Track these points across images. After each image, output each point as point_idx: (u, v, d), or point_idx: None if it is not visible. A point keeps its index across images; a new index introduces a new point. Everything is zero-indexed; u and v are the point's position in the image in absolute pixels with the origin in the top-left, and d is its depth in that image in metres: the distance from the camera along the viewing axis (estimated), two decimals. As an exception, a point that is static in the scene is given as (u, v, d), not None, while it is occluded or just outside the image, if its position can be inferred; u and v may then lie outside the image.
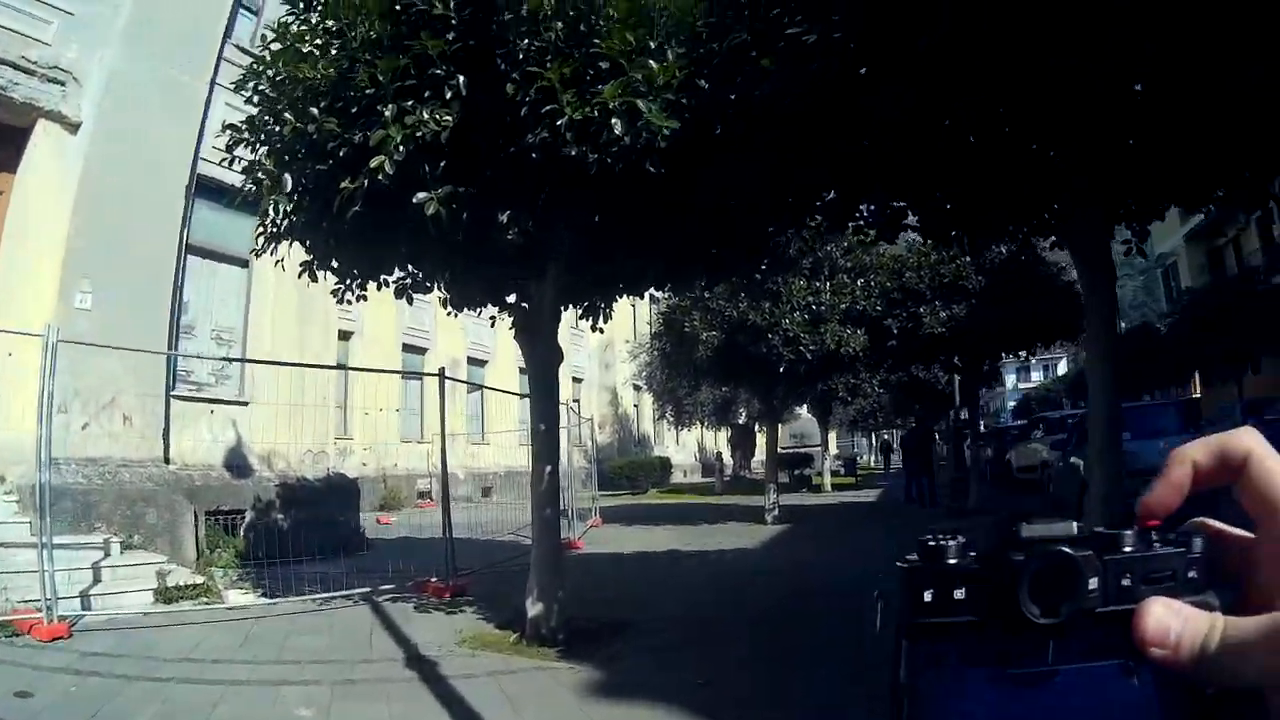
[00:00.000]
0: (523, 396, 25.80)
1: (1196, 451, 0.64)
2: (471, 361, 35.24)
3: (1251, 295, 27.27)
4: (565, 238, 8.72)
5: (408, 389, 29.07)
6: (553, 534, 9.71)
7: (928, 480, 25.34)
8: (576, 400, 40.73)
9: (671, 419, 44.52)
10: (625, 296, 11.54)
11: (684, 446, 54.98)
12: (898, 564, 0.67)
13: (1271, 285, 28.36)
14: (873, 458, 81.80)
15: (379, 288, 9.52)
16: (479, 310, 10.76)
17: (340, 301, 9.84)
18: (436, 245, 7.67)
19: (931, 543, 0.67)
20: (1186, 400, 28.50)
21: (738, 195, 8.43)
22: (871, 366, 23.37)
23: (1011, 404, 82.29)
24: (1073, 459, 17.76)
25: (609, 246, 9.15)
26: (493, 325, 14.47)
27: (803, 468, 40.12)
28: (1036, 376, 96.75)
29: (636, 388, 45.80)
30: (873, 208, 9.70)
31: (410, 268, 9.29)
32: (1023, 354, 22.01)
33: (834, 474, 41.32)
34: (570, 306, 11.01)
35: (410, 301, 10.78)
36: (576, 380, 42.80)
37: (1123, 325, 31.49)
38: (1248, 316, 26.00)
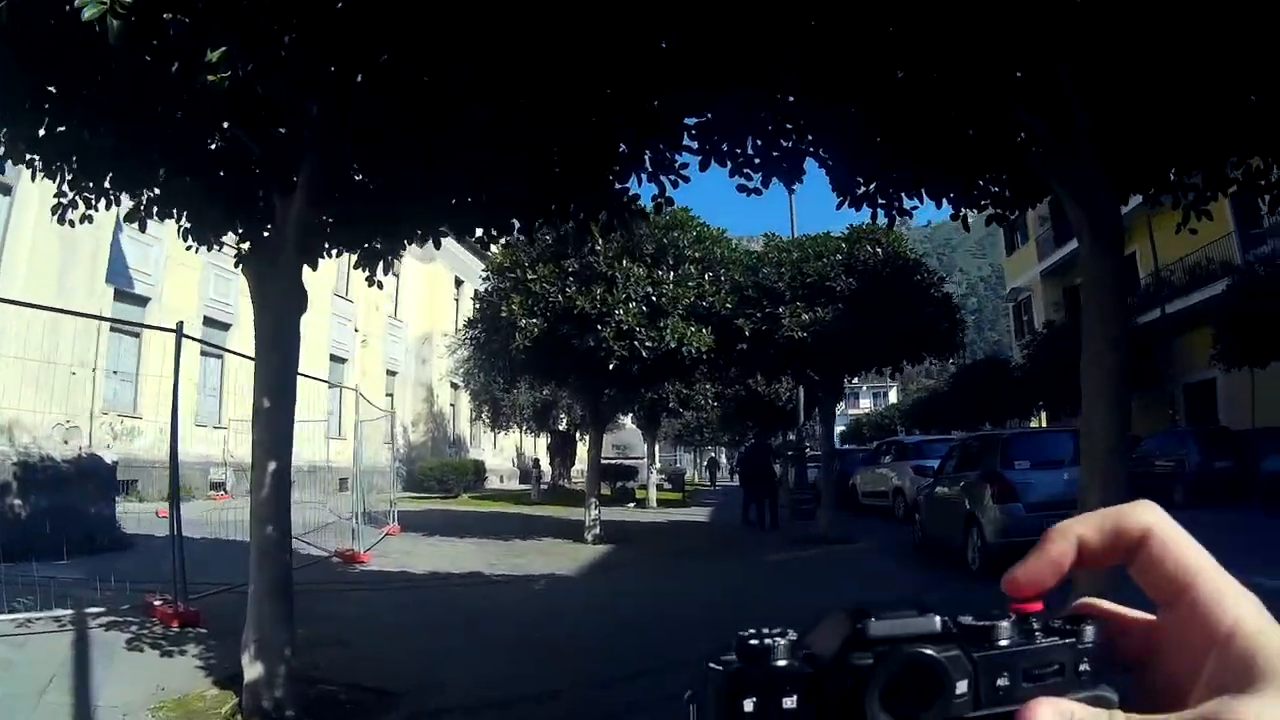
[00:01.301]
0: (332, 386, 23.90)
1: (1083, 527, 0.58)
2: (335, 359, 32.70)
3: None
4: (323, 123, 6.20)
5: (206, 366, 26.00)
6: (278, 562, 6.53)
7: (769, 501, 22.93)
8: (389, 395, 39.04)
9: (488, 421, 41.51)
10: (418, 242, 8.30)
11: (501, 451, 52.02)
12: (710, 665, 0.54)
13: (1136, 325, 28.05)
14: (697, 474, 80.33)
15: (97, 202, 7.12)
16: (218, 244, 7.73)
17: (60, 220, 7.22)
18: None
19: (754, 641, 0.54)
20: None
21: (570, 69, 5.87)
22: (716, 372, 20.74)
23: (840, 429, 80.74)
24: (942, 489, 15.81)
25: (384, 151, 6.76)
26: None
27: (626, 481, 37.93)
28: (865, 403, 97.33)
29: (454, 385, 42.53)
30: (760, 141, 7.21)
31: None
32: (887, 370, 19.44)
33: (659, 488, 38.63)
34: (343, 252, 8.31)
35: (143, 228, 7.80)
36: (391, 374, 40.59)
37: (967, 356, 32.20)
38: None
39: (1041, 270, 42.87)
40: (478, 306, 20.10)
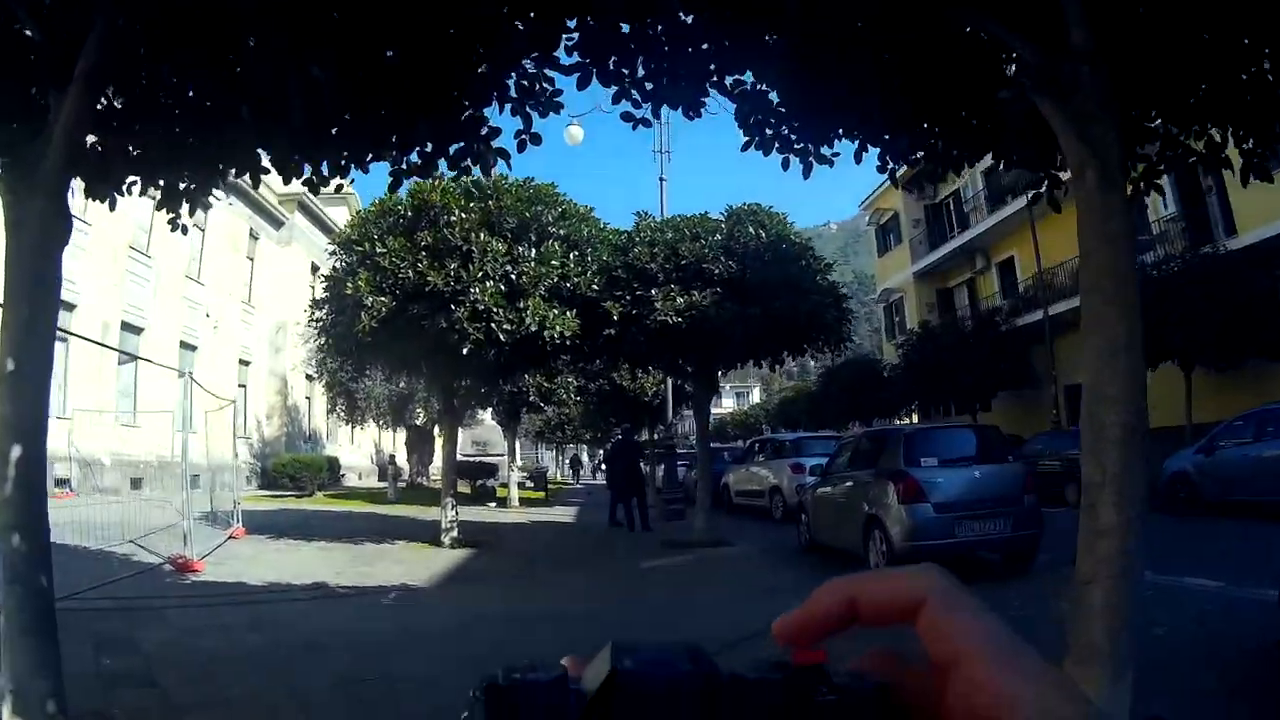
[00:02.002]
0: (181, 374, 21.72)
1: (857, 588, 0.57)
2: (126, 327, 28.92)
3: (994, 335, 31.21)
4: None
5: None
6: (33, 588, 4.81)
7: (638, 501, 21.45)
8: (242, 385, 37.07)
9: (343, 414, 39.39)
10: (223, 177, 6.69)
11: (359, 447, 50.20)
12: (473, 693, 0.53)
13: (1014, 327, 31.72)
14: (560, 472, 79.07)
15: None
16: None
17: None
18: None
19: (515, 675, 0.51)
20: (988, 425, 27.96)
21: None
22: (580, 360, 19.30)
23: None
24: (833, 488, 14.70)
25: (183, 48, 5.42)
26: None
27: (486, 479, 36.17)
28: (729, 403, 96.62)
29: (309, 377, 40.27)
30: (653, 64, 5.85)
31: None
32: (765, 362, 18.03)
33: (521, 486, 36.92)
34: (140, 188, 6.70)
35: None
36: (244, 363, 38.22)
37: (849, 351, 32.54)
38: (987, 354, 30.04)
39: (915, 271, 43.50)
40: (324, 285, 18.19)
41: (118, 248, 27.71)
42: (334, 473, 36.51)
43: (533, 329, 14.60)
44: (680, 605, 11.25)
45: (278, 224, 40.64)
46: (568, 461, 79.65)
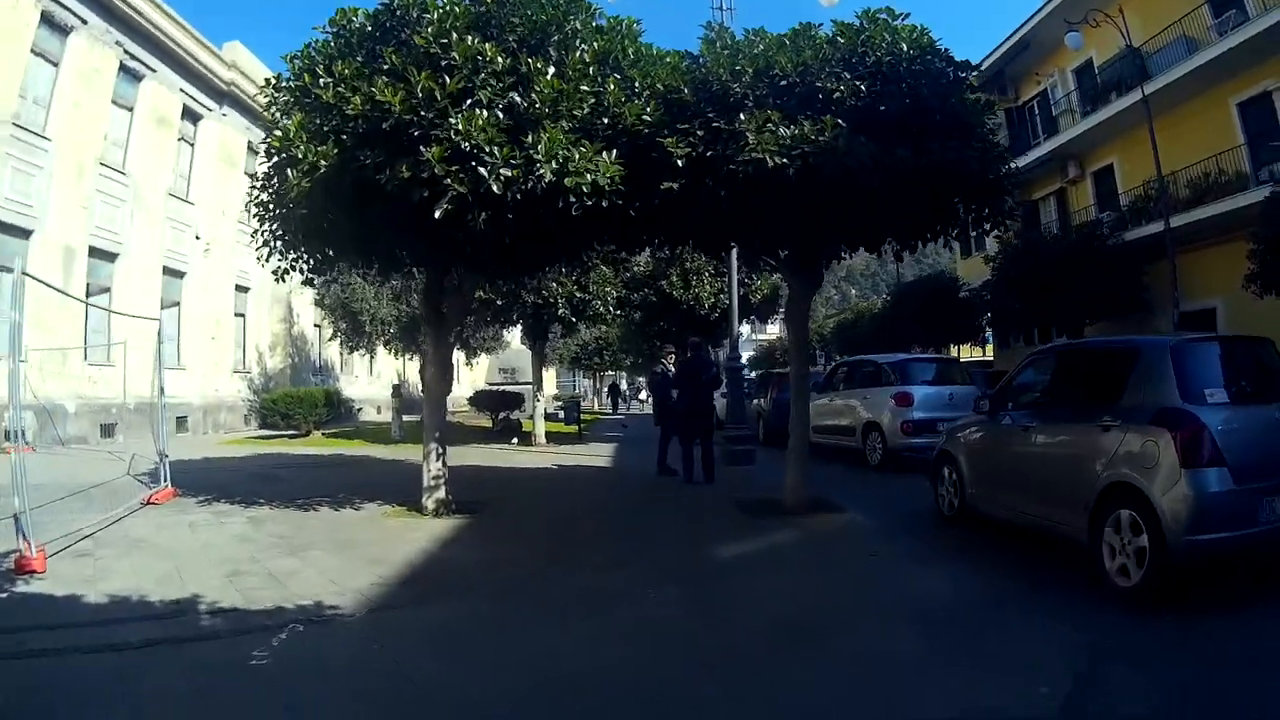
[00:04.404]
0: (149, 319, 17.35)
1: None
2: (96, 254, 25.66)
3: (1100, 249, 26.27)
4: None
5: None
6: None
7: (702, 444, 16.06)
8: (240, 315, 33.89)
9: (344, 339, 34.41)
10: None
11: (379, 378, 45.53)
12: None
13: (1120, 241, 26.81)
14: (597, 401, 74.31)
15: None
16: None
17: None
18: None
19: None
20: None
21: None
22: (621, 239, 12.93)
23: (748, 354, 72.90)
24: (1006, 433, 9.99)
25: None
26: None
27: (510, 411, 31.40)
28: (773, 329, 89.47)
29: (319, 304, 35.12)
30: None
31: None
32: (889, 247, 12.20)
33: (550, 418, 31.76)
34: None
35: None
36: (242, 289, 34.10)
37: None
38: (1096, 272, 25.16)
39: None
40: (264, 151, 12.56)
41: (84, 163, 24.83)
42: (335, 407, 31.51)
43: (547, 178, 9.03)
44: (818, 676, 5.90)
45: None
46: (605, 390, 74.47)
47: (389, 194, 9.40)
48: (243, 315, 34.91)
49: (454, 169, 8.99)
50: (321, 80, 9.82)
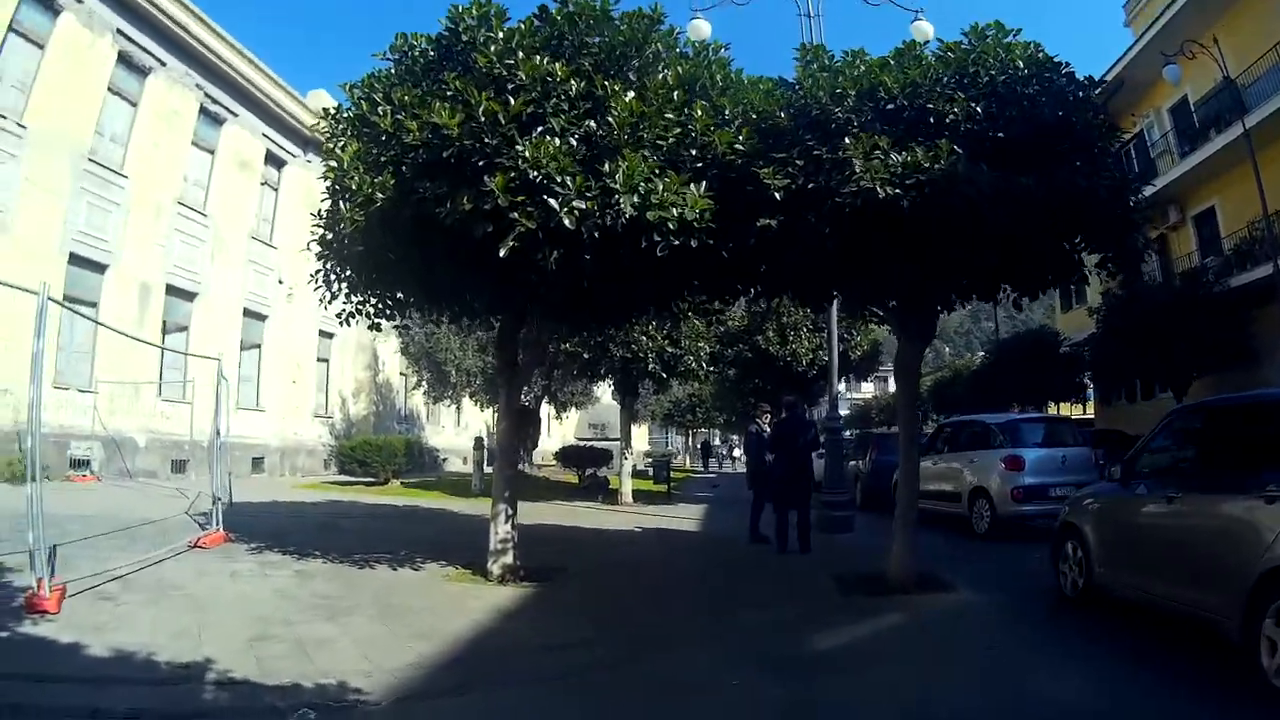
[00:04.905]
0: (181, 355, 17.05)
1: None
2: (174, 292, 25.90)
3: (1205, 296, 24.86)
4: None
5: (74, 322, 20.97)
6: None
7: (798, 512, 14.65)
8: (323, 360, 33.92)
9: (428, 390, 33.81)
10: None
11: (465, 428, 44.82)
12: None
13: (1226, 287, 25.03)
14: (689, 458, 73.47)
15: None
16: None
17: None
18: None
19: None
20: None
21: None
22: (713, 285, 11.69)
23: (844, 412, 71.68)
24: (1144, 503, 8.64)
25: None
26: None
27: (599, 467, 30.50)
28: (867, 388, 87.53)
29: (405, 352, 34.79)
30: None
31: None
32: (1007, 294, 10.81)
33: (638, 476, 30.54)
34: None
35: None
36: (326, 335, 33.68)
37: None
38: (1203, 321, 23.84)
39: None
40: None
41: (163, 202, 25.34)
42: (414, 456, 30.82)
43: (627, 212, 8.04)
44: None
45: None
46: (698, 447, 73.45)
47: (450, 229, 8.50)
48: (326, 360, 34.94)
49: (521, 200, 8.04)
50: (380, 108, 9.02)
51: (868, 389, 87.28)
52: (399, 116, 8.71)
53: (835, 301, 14.60)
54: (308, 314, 31.70)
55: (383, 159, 8.93)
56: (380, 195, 8.76)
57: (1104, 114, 9.60)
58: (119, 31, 23.08)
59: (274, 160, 30.79)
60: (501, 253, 8.19)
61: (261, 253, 29.89)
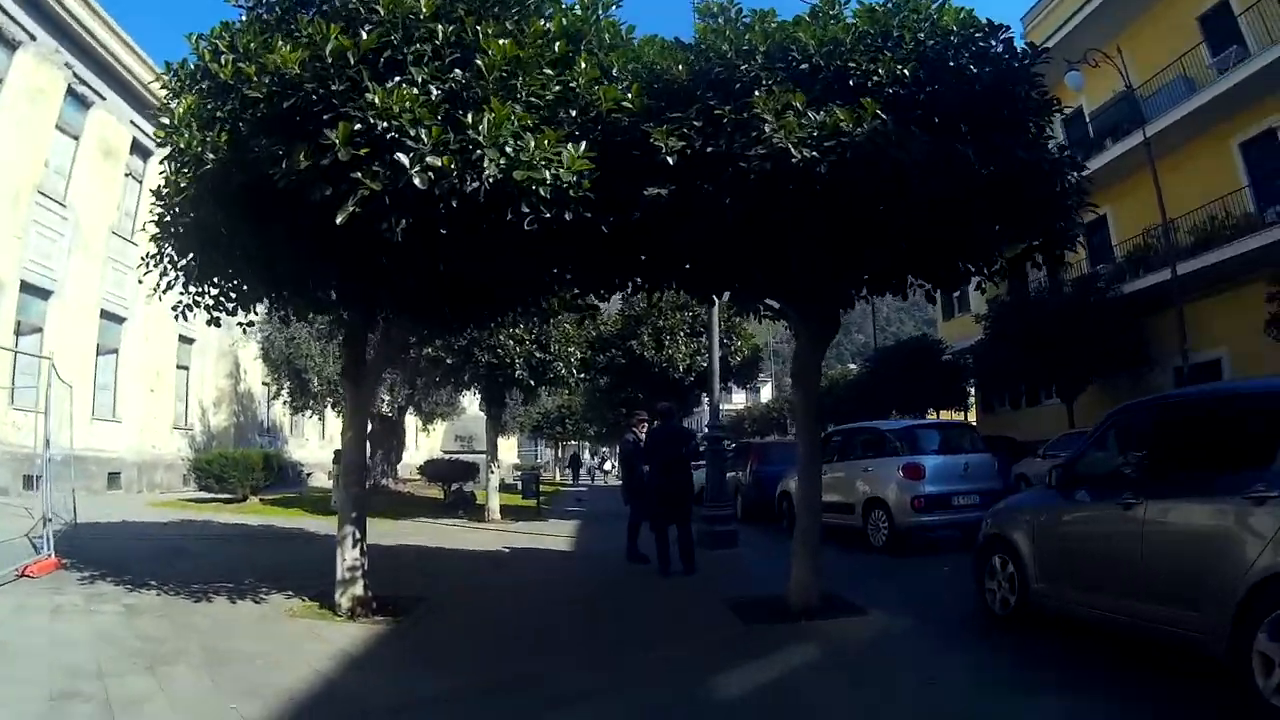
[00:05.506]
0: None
1: None
2: (28, 290, 23.66)
3: (1097, 302, 25.78)
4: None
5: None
6: None
7: (679, 529, 13.31)
8: (183, 367, 31.80)
9: (288, 399, 31.83)
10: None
11: (332, 441, 42.29)
12: None
13: (1119, 294, 25.93)
14: (558, 471, 72.44)
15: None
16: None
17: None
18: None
19: None
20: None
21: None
22: (588, 271, 9.90)
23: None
24: (1091, 511, 7.96)
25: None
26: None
27: (464, 482, 28.65)
28: (738, 398, 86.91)
29: (265, 359, 32.64)
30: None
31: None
32: (917, 286, 9.83)
33: (506, 490, 29.02)
34: None
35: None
36: (186, 340, 31.68)
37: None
38: (1098, 326, 24.84)
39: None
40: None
41: (21, 191, 22.85)
42: (274, 471, 28.72)
43: (489, 172, 6.69)
44: None
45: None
46: (567, 459, 72.53)
47: (285, 196, 7.05)
48: (186, 368, 32.72)
49: (365, 152, 6.64)
50: (223, 57, 7.52)
51: (739, 399, 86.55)
52: (241, 65, 7.24)
53: (725, 295, 13.25)
54: (167, 317, 29.83)
55: (218, 114, 7.46)
56: (211, 156, 7.33)
57: (1043, 87, 8.49)
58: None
59: (140, 150, 28.41)
60: (339, 219, 6.75)
61: (122, 249, 27.50)
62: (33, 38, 22.66)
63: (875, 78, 7.41)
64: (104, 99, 26.08)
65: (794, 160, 6.80)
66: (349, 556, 9.79)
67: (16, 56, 22.36)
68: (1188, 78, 24.01)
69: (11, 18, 21.89)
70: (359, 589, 9.71)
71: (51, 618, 8.92)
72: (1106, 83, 24.70)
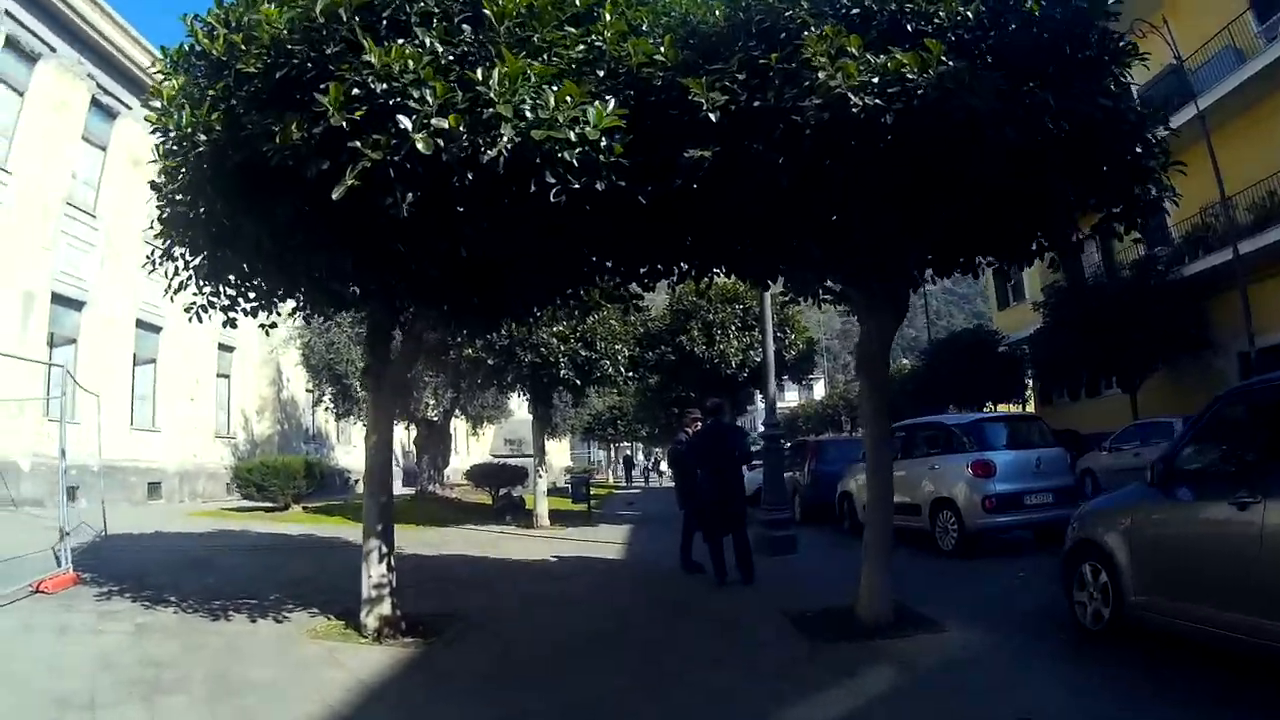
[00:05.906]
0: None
1: None
2: (60, 301, 23.32)
3: (1158, 285, 24.54)
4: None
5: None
6: None
7: (735, 535, 12.37)
8: (224, 376, 31.13)
9: (331, 405, 31.28)
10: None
11: (382, 447, 41.92)
12: None
13: (1180, 276, 24.72)
14: (611, 473, 71.81)
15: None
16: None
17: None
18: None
19: None
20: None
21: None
22: (623, 252, 9.12)
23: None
24: (1204, 512, 6.81)
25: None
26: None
27: (513, 486, 28.09)
28: (791, 395, 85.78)
29: (307, 364, 32.05)
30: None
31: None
32: (979, 263, 8.88)
33: (557, 494, 28.13)
34: None
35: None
36: (226, 349, 31.26)
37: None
38: (1160, 310, 23.61)
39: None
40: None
41: (49, 203, 22.58)
42: (317, 479, 28.04)
43: (507, 135, 5.89)
44: None
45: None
46: (620, 462, 71.92)
47: (282, 173, 6.29)
48: (227, 376, 32.35)
49: (360, 115, 5.86)
50: (216, 31, 6.81)
51: (791, 397, 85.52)
52: (234, 39, 6.53)
53: (779, 280, 12.26)
54: (206, 326, 29.35)
55: (210, 92, 6.74)
56: (203, 136, 6.66)
57: (1120, 33, 7.55)
58: (6, 13, 20.84)
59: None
60: (335, 193, 5.96)
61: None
62: (53, 50, 22.35)
63: (936, 20, 6.54)
64: (129, 109, 25.56)
65: (854, 109, 5.92)
66: (375, 573, 9.05)
67: (37, 69, 22.06)
68: (1236, 48, 22.73)
69: (30, 30, 21.58)
70: (386, 608, 8.97)
71: (55, 639, 8.38)
72: (1152, 56, 23.37)
